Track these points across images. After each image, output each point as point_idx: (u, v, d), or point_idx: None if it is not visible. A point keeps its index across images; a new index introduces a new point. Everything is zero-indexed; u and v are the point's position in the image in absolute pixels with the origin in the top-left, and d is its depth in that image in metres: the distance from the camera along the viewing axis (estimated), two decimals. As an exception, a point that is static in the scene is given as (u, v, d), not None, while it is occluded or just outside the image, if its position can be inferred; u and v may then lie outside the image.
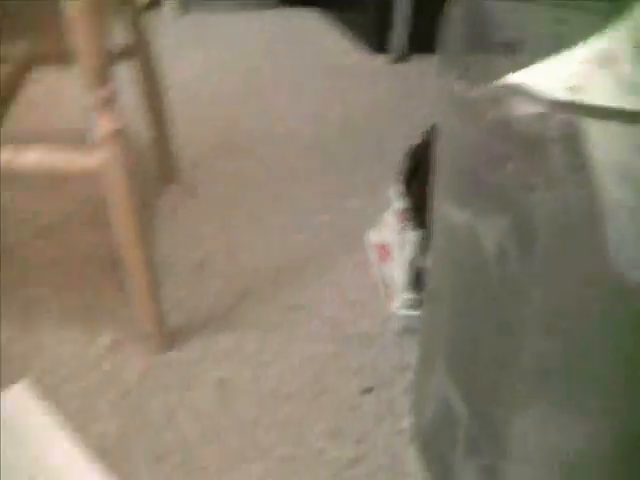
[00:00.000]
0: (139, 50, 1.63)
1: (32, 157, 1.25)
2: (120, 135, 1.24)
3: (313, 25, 2.48)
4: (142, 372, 1.33)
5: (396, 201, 1.48)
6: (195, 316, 1.43)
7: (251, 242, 1.61)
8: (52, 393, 1.29)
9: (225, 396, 1.29)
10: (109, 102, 1.22)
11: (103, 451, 1.19)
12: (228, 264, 1.55)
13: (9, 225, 1.63)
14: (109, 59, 1.22)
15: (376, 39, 2.35)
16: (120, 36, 1.57)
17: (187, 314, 1.44)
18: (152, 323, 1.35)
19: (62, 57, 1.47)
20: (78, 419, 1.25)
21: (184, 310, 1.44)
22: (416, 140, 1.41)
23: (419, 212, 1.35)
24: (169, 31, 2.38)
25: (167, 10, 2.43)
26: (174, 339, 1.38)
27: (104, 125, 1.23)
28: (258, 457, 1.19)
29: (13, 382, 1.30)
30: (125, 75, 1.60)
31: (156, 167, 1.75)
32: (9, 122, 1.49)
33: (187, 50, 2.29)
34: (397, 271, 1.44)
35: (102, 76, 1.21)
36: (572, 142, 0.74)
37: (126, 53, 1.64)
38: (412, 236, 1.37)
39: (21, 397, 1.28)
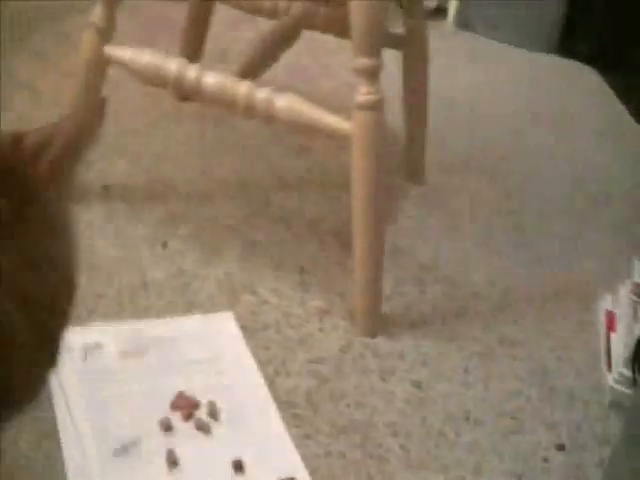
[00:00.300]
0: (411, 43, 1.61)
1: (287, 104, 1.25)
2: (378, 106, 1.23)
3: (586, 82, 2.40)
4: (343, 347, 1.30)
5: (637, 275, 1.43)
6: (408, 314, 1.39)
7: (480, 258, 1.55)
8: (252, 334, 1.28)
9: (416, 400, 1.24)
10: (373, 72, 1.22)
11: (287, 404, 1.18)
12: (453, 273, 1.50)
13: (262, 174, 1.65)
14: (382, 31, 1.21)
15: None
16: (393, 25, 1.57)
17: (401, 309, 1.40)
18: (366, 304, 1.32)
19: (332, 27, 1.48)
20: (270, 368, 1.24)
21: (400, 304, 1.41)
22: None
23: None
24: (444, 41, 2.36)
25: (448, 21, 2.42)
26: (382, 328, 1.34)
27: (364, 93, 1.22)
28: (438, 470, 1.14)
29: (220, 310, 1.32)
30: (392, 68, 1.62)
31: (403, 163, 1.72)
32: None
33: (456, 63, 2.27)
34: (620, 344, 1.37)
35: (371, 45, 1.20)
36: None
37: (397, 42, 1.62)
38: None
39: (225, 324, 1.28)
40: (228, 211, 1.53)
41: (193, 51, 1.72)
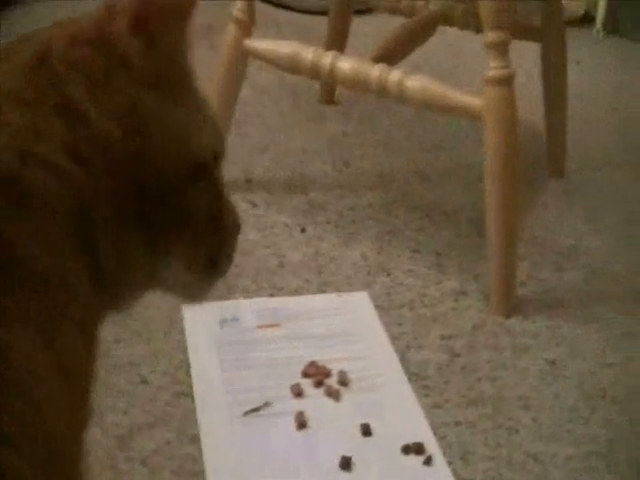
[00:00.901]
0: (549, 34, 1.60)
1: (418, 84, 1.27)
2: (508, 81, 1.23)
3: None
4: (476, 325, 1.30)
5: None
6: (545, 297, 1.38)
7: (621, 249, 1.51)
8: (385, 312, 1.31)
9: (550, 377, 1.23)
10: (502, 46, 1.22)
11: (417, 376, 1.19)
12: (593, 261, 1.47)
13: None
14: (511, 5, 1.22)
15: None
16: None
17: (538, 293, 1.39)
18: (501, 285, 1.32)
19: (470, 23, 1.49)
20: (402, 342, 1.25)
21: (536, 289, 1.39)
22: None
23: None
24: (592, 47, 2.34)
25: (597, 28, 2.39)
26: (517, 309, 1.33)
27: (494, 68, 1.23)
28: (570, 443, 1.12)
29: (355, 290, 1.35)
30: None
31: (542, 155, 1.71)
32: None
33: (603, 68, 2.24)
34: None
35: (500, 18, 1.21)
36: None
37: (535, 34, 1.62)
38: None
39: (359, 302, 1.31)
40: (367, 201, 1.57)
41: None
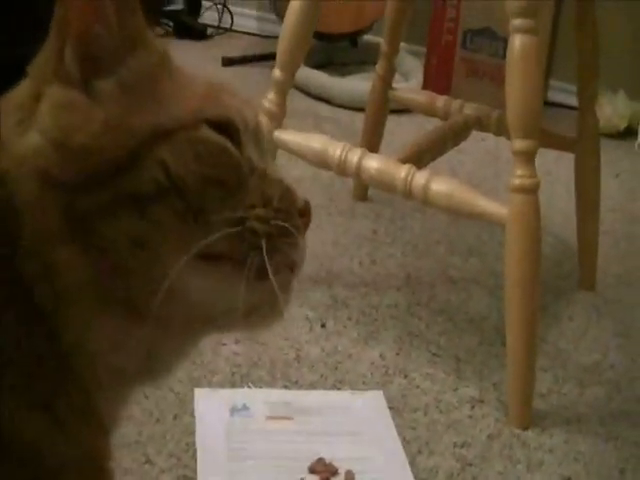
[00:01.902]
0: (583, 144, 1.60)
1: (444, 188, 1.27)
2: (534, 190, 1.23)
3: None
4: (492, 435, 1.27)
5: None
6: (564, 412, 1.34)
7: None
8: (399, 414, 1.28)
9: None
10: (529, 154, 1.22)
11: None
12: (618, 377, 1.43)
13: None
14: (538, 114, 1.22)
15: None
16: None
17: (557, 407, 1.35)
18: (519, 396, 1.29)
19: (504, 129, 1.50)
20: (413, 446, 1.22)
21: (556, 403, 1.36)
22: None
23: None
24: (633, 161, 2.34)
25: (638, 143, 2.39)
26: (535, 421, 1.30)
27: (519, 176, 1.22)
28: None
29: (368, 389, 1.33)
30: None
31: (574, 267, 1.69)
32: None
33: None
34: None
35: (526, 126, 1.21)
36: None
37: (569, 144, 1.63)
38: None
39: (374, 402, 1.29)
40: (391, 300, 1.55)
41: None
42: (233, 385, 1.28)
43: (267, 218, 0.58)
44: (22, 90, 0.56)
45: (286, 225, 0.58)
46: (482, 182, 2.10)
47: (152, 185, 0.54)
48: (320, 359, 1.37)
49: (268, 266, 0.57)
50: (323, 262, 1.64)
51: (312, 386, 1.31)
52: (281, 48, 1.41)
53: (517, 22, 1.22)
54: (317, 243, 1.70)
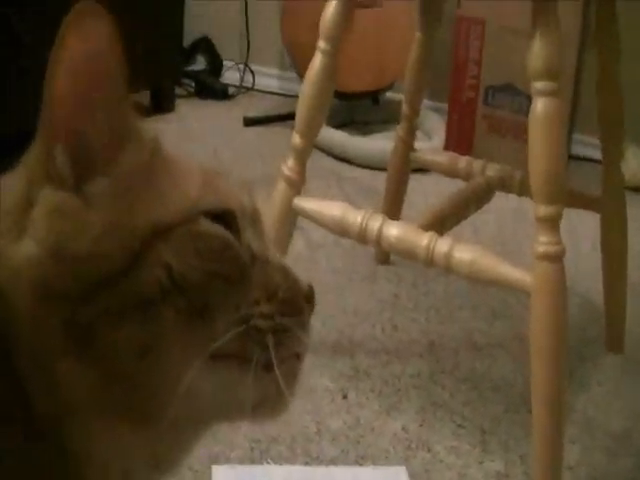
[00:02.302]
0: (609, 204, 1.57)
1: (467, 255, 1.24)
2: (558, 258, 1.20)
3: None
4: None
5: None
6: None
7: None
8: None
9: None
10: (553, 221, 1.19)
11: None
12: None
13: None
14: (562, 179, 1.19)
15: None
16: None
17: (588, 479, 1.30)
18: (546, 469, 1.24)
19: (525, 190, 1.47)
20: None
21: (585, 475, 1.31)
22: None
23: None
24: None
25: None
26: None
27: (543, 243, 1.19)
28: None
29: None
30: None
31: (600, 329, 1.65)
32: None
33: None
34: None
35: (550, 192, 1.18)
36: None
37: (594, 203, 1.60)
38: None
39: (396, 478, 1.25)
40: (414, 369, 1.52)
41: (391, 216, 1.78)
42: (252, 461, 1.24)
43: (272, 314, 0.56)
44: (13, 192, 0.54)
45: (292, 321, 0.58)
46: (507, 241, 2.07)
47: (155, 287, 0.51)
48: (342, 432, 1.33)
49: (274, 361, 0.56)
50: (344, 330, 1.61)
51: (333, 462, 1.27)
52: (300, 114, 1.40)
53: (539, 85, 1.20)
54: (338, 311, 1.68)
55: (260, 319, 0.56)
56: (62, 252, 0.51)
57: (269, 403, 0.58)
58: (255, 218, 0.61)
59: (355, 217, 1.33)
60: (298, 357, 0.61)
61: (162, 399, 0.52)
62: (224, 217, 0.56)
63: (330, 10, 1.36)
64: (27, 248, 0.51)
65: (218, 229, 0.55)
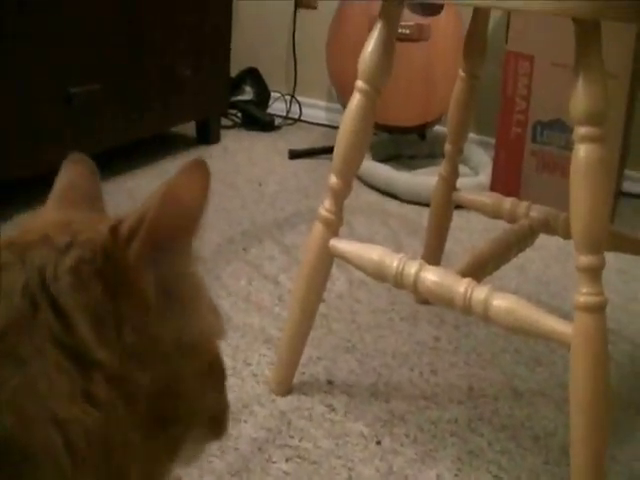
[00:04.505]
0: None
1: (504, 304, 1.21)
2: (600, 308, 1.15)
3: None
4: None
5: None
6: None
7: None
8: None
9: None
10: (594, 271, 1.15)
11: None
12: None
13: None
14: (605, 229, 1.15)
15: None
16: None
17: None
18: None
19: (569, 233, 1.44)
20: None
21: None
22: None
23: None
24: None
25: None
26: None
27: (584, 293, 1.15)
28: None
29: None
30: None
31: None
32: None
33: None
34: None
35: (594, 243, 1.15)
36: None
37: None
38: None
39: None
40: (451, 415, 1.48)
41: (433, 254, 1.75)
42: (281, 509, 1.22)
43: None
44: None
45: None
46: (552, 281, 2.03)
47: None
48: (374, 481, 1.30)
49: None
50: (382, 373, 1.58)
51: (364, 512, 1.24)
52: (337, 154, 1.38)
53: (582, 130, 1.16)
54: (376, 352, 1.64)
55: None
56: None
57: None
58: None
59: (392, 261, 1.30)
60: None
61: None
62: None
63: (369, 47, 1.34)
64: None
65: None
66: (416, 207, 2.38)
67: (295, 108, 3.15)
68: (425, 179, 2.40)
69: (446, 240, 1.79)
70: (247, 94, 3.21)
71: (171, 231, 0.55)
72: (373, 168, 2.51)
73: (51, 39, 2.06)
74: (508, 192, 2.31)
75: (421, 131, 2.77)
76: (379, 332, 1.72)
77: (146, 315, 0.54)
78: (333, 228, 1.38)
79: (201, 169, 0.57)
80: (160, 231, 0.54)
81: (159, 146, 2.74)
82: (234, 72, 3.10)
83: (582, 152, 1.15)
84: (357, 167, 1.39)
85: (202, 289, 0.60)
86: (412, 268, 1.28)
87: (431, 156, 2.74)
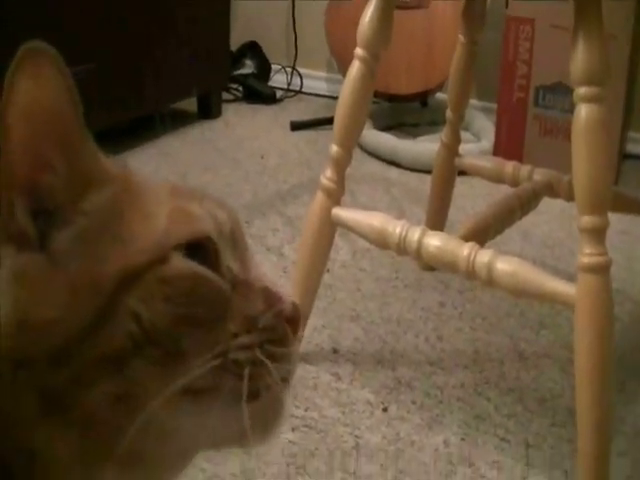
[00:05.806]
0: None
1: (508, 267, 1.21)
2: (604, 269, 1.15)
3: None
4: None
5: None
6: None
7: None
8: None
9: None
10: (598, 232, 1.15)
11: None
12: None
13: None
14: (607, 189, 1.14)
15: None
16: None
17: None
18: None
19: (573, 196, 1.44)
20: None
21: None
22: None
23: None
24: None
25: None
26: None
27: (588, 254, 1.15)
28: None
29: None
30: None
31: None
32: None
33: None
34: None
35: (595, 202, 1.14)
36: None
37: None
38: None
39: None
40: (457, 380, 1.48)
41: (437, 221, 1.75)
42: (288, 477, 1.22)
43: (252, 345, 0.53)
44: None
45: (273, 349, 0.54)
46: (556, 244, 2.03)
47: (127, 340, 0.48)
48: (380, 447, 1.30)
49: (244, 394, 0.52)
50: (387, 341, 1.58)
51: (371, 478, 1.25)
52: (337, 123, 1.37)
53: (582, 90, 1.16)
54: (381, 320, 1.65)
55: (238, 351, 0.52)
56: (27, 321, 0.48)
57: (256, 431, 0.54)
58: (235, 237, 0.56)
59: (394, 228, 1.30)
60: (285, 380, 0.56)
61: (142, 438, 0.50)
62: (199, 245, 0.53)
63: (367, 15, 1.33)
64: None
65: (189, 268, 0.52)
66: (419, 175, 2.37)
67: (296, 80, 3.13)
68: (427, 146, 2.39)
69: (449, 207, 1.79)
70: (248, 67, 3.20)
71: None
72: (375, 137, 2.50)
73: (49, 20, 2.05)
74: (511, 157, 2.29)
75: (423, 99, 2.75)
76: (384, 300, 1.72)
77: None
78: (335, 197, 1.38)
79: (34, 59, 0.49)
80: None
81: (160, 122, 2.73)
82: (234, 46, 3.08)
83: (583, 112, 1.15)
84: (358, 135, 1.39)
85: (131, 209, 0.53)
86: (415, 234, 1.28)
87: (433, 123, 2.72)
